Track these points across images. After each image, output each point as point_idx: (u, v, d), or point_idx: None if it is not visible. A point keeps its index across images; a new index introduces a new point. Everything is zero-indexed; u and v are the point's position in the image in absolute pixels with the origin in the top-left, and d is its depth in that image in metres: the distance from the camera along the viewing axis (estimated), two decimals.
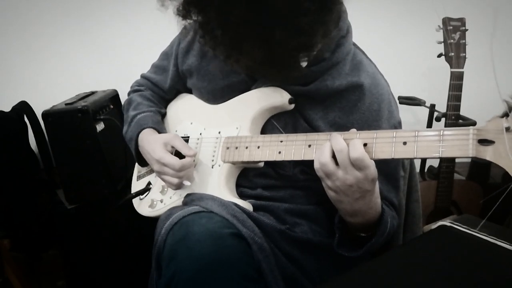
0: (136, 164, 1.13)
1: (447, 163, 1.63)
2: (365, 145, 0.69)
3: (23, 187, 1.50)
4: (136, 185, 1.11)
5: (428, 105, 1.75)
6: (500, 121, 0.59)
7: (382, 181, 0.87)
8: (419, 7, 1.85)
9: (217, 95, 0.95)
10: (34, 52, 1.81)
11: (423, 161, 1.80)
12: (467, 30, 1.51)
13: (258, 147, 0.83)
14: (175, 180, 0.90)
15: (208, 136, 0.95)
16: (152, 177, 1.06)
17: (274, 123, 0.88)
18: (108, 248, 1.48)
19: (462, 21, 1.51)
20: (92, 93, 1.67)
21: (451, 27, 1.50)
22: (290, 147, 0.79)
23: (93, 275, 1.51)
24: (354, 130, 0.73)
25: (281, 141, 0.80)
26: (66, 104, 1.45)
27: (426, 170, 1.81)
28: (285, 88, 0.85)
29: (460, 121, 1.61)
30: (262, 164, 0.88)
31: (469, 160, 1.90)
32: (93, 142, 1.42)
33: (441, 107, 1.66)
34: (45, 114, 1.39)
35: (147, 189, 1.04)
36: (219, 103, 0.95)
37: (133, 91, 1.15)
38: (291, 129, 0.87)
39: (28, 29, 1.78)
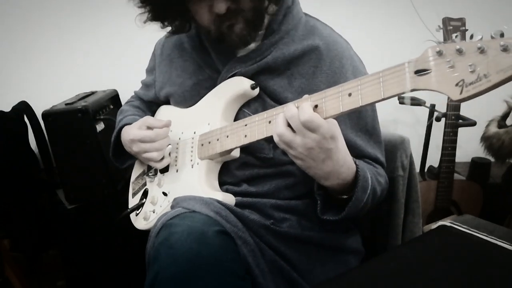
0: (131, 181, 1.15)
1: (447, 163, 1.63)
2: (316, 106, 0.70)
3: (23, 187, 1.50)
4: (132, 202, 1.12)
5: (428, 105, 1.74)
6: (433, 48, 0.59)
7: (364, 138, 0.88)
8: (419, 7, 1.85)
9: (187, 96, 0.98)
10: (34, 52, 1.81)
11: (423, 161, 1.80)
12: (467, 30, 1.50)
13: (227, 136, 0.85)
14: (155, 154, 0.93)
15: (185, 138, 0.97)
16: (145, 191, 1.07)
17: (245, 111, 0.90)
18: (108, 248, 1.49)
19: (462, 21, 1.51)
20: (92, 93, 1.67)
21: (451, 27, 1.50)
22: (253, 128, 0.80)
23: (93, 275, 1.52)
24: (306, 96, 0.73)
25: (246, 125, 0.82)
26: (66, 104, 1.45)
27: (426, 170, 1.81)
28: (246, 72, 0.87)
29: (460, 121, 1.61)
30: (237, 154, 0.89)
31: (469, 160, 1.90)
32: (93, 142, 1.42)
33: (441, 107, 1.66)
34: (45, 114, 1.39)
35: (141, 204, 1.04)
36: (191, 106, 0.98)
37: (125, 103, 1.21)
38: (261, 111, 0.87)
39: (28, 29, 1.78)
